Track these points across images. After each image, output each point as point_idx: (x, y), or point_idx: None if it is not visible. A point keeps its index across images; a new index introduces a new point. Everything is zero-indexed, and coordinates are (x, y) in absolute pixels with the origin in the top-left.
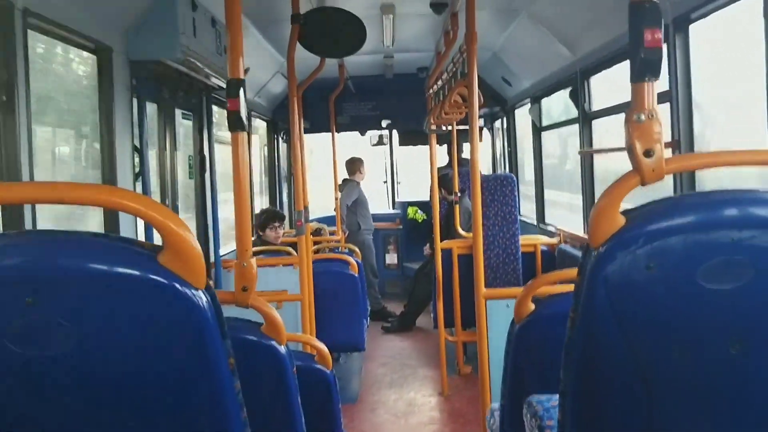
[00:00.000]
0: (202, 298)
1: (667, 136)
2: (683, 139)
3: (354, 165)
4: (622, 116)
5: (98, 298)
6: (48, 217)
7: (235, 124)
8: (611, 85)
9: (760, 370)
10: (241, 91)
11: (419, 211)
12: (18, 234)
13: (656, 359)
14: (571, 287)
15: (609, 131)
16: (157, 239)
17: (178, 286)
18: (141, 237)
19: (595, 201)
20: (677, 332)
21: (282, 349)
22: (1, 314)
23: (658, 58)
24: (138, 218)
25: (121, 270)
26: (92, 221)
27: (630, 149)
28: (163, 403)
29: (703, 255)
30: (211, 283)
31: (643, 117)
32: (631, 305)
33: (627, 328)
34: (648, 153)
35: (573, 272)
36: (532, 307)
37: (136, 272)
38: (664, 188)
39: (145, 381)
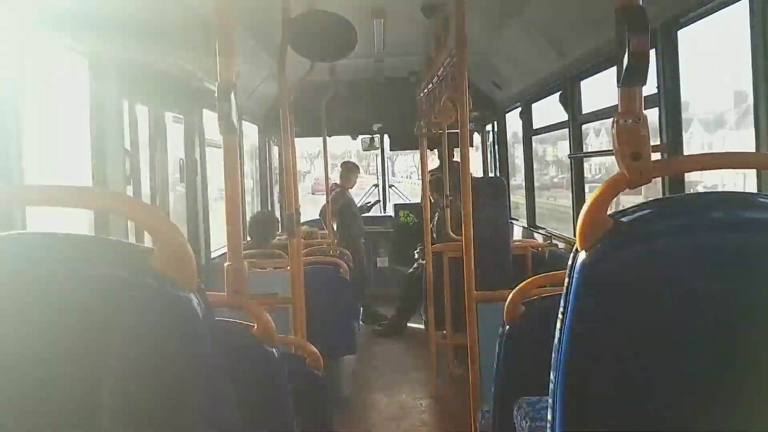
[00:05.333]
0: (193, 300)
1: (655, 140)
2: (671, 142)
3: (346, 170)
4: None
5: (90, 299)
6: (38, 221)
7: (227, 127)
8: (601, 88)
9: (748, 372)
10: (233, 94)
11: (410, 214)
12: (10, 236)
13: (645, 361)
14: (561, 289)
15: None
16: (148, 242)
17: (169, 288)
18: (132, 241)
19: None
20: (665, 334)
21: (273, 351)
22: None
23: (645, 62)
24: (129, 222)
25: (112, 272)
26: (82, 226)
27: (617, 152)
28: (154, 404)
29: (692, 257)
30: (202, 285)
31: (630, 121)
32: (619, 307)
33: (615, 330)
34: (635, 156)
35: (562, 275)
36: (523, 309)
37: (128, 274)
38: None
39: (136, 382)
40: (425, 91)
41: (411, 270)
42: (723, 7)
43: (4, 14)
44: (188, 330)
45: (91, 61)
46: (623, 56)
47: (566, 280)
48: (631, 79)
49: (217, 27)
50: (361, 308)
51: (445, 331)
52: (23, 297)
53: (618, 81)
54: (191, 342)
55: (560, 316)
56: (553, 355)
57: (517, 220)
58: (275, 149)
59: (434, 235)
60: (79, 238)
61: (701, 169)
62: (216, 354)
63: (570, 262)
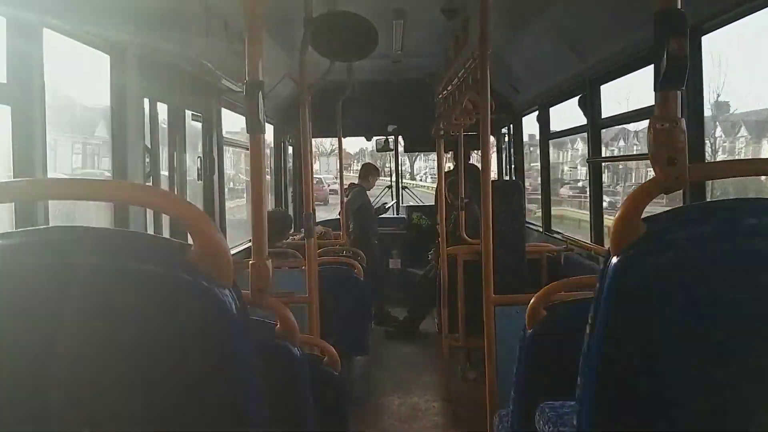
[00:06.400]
0: (228, 296)
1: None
2: (694, 149)
3: (365, 171)
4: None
5: (127, 293)
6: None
7: (254, 126)
8: (617, 94)
9: None
10: (260, 93)
11: (423, 216)
12: (48, 230)
13: (676, 368)
14: (582, 294)
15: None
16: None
17: (205, 283)
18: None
19: (603, 210)
20: (699, 342)
21: (296, 350)
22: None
23: (683, 65)
24: (147, 218)
25: (150, 267)
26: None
27: (653, 156)
28: (187, 399)
29: (726, 264)
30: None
31: (666, 125)
32: (651, 313)
33: (646, 336)
34: (671, 161)
35: (588, 279)
36: (544, 313)
37: (165, 269)
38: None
39: (169, 377)
40: (444, 92)
41: (424, 272)
42: (750, 13)
43: (27, 11)
44: (224, 325)
45: (113, 58)
46: (661, 59)
47: (597, 285)
48: (669, 82)
49: (246, 24)
50: (373, 310)
51: (457, 334)
52: (56, 292)
53: (655, 85)
54: (226, 337)
55: (590, 321)
56: (581, 360)
57: (533, 224)
58: (289, 149)
59: (449, 238)
60: (115, 233)
61: (738, 176)
62: (249, 350)
63: (602, 267)
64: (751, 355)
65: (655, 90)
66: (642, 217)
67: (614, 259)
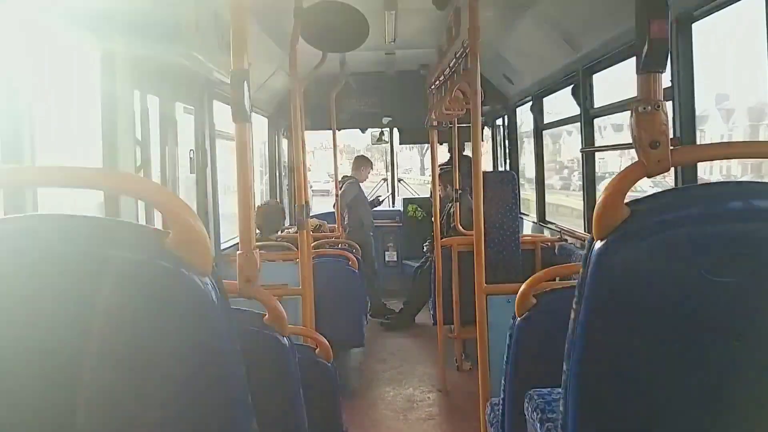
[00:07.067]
0: (208, 283)
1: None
2: (685, 136)
3: (358, 163)
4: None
5: (104, 280)
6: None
7: (239, 115)
8: (613, 82)
9: (762, 363)
10: (245, 82)
11: (418, 208)
12: (26, 217)
13: (659, 351)
14: (572, 283)
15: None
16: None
17: (184, 270)
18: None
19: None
20: (680, 324)
21: (284, 339)
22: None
23: (664, 49)
24: (139, 208)
25: (128, 254)
26: (91, 210)
27: (636, 140)
28: (168, 387)
29: (709, 247)
30: (217, 269)
31: (649, 108)
32: (634, 297)
33: (630, 320)
34: (654, 144)
35: (575, 266)
36: (534, 301)
37: (143, 256)
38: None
39: (150, 365)
40: (436, 83)
41: (419, 264)
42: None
43: (16, 5)
44: (202, 312)
45: (103, 51)
46: (642, 42)
47: (582, 269)
48: (650, 65)
49: (231, 13)
50: (369, 302)
51: (452, 325)
52: (37, 278)
53: (637, 68)
54: (205, 324)
55: (574, 306)
56: (566, 346)
57: (527, 215)
58: (284, 142)
59: (444, 229)
60: (93, 221)
61: (720, 158)
62: (230, 337)
63: (585, 252)
64: (734, 336)
65: (637, 73)
66: (626, 201)
67: (598, 244)
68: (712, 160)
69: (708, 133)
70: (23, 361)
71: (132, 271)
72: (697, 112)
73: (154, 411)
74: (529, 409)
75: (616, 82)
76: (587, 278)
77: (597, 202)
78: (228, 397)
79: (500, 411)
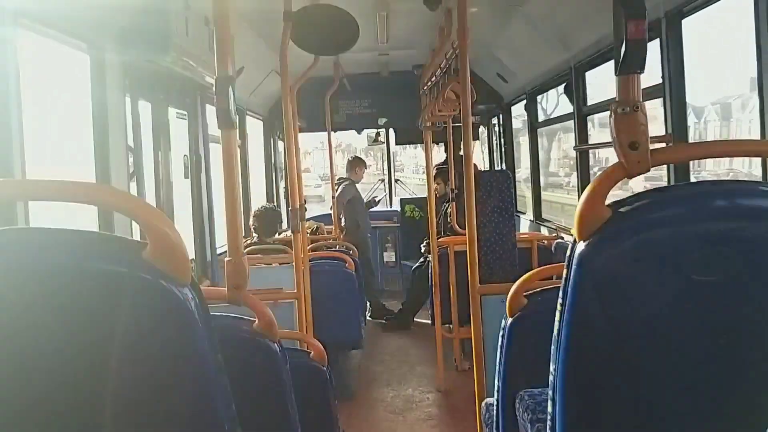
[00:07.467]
0: (187, 294)
1: (661, 131)
2: (677, 132)
3: (352, 164)
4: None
5: (84, 293)
6: (43, 216)
7: (224, 122)
8: (606, 80)
9: (746, 362)
10: (230, 88)
11: (416, 208)
12: (3, 231)
13: (644, 351)
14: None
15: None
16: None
17: (162, 282)
18: (137, 237)
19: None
20: (665, 324)
21: (274, 345)
22: None
23: (642, 49)
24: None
25: (106, 266)
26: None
27: (615, 142)
28: (149, 398)
29: (691, 246)
30: (195, 278)
31: (628, 109)
32: (618, 297)
33: (614, 320)
34: (633, 145)
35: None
36: (525, 301)
37: (121, 268)
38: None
39: (130, 377)
40: (428, 83)
41: (417, 264)
42: None
43: (4, 10)
44: (181, 323)
45: (93, 57)
46: (620, 43)
47: (565, 270)
48: (629, 66)
49: (214, 19)
50: (368, 303)
51: (450, 325)
52: (19, 292)
53: (616, 69)
54: (184, 335)
55: (559, 307)
56: (552, 347)
57: (524, 213)
58: (280, 144)
59: (442, 229)
60: (72, 233)
61: (701, 158)
62: (211, 348)
63: (568, 253)
64: (720, 335)
65: (615, 74)
66: (607, 202)
67: (580, 245)
68: (691, 160)
69: (710, 128)
70: (7, 373)
71: (111, 283)
72: (700, 105)
73: (134, 422)
74: (520, 409)
75: (609, 79)
76: (570, 279)
77: (578, 204)
78: (210, 407)
79: (495, 411)
